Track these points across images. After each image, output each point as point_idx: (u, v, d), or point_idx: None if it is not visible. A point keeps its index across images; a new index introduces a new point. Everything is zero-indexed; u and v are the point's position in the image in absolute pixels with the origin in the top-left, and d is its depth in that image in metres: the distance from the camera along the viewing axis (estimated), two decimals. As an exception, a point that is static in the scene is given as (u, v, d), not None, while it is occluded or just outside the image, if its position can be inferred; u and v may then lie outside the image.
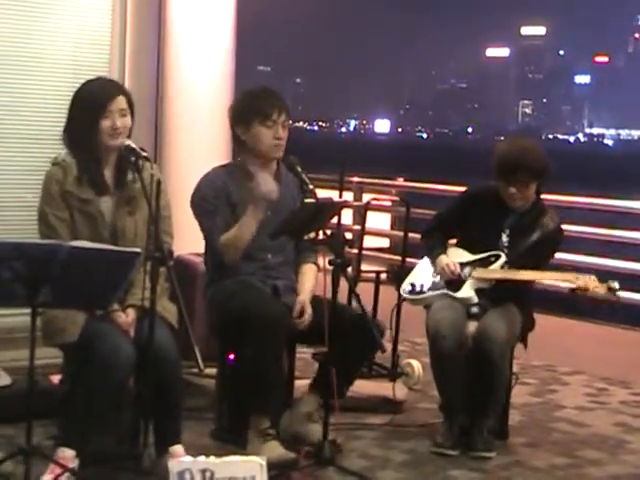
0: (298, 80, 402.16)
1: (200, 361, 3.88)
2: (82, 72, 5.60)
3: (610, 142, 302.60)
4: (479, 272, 5.02)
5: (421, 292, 5.16)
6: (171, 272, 4.00)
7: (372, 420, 5.34)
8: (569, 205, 10.07)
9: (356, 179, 11.59)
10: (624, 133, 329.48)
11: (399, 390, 5.51)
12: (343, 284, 4.47)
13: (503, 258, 5.01)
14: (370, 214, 7.33)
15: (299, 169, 4.68)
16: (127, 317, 4.22)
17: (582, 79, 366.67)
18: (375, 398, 5.52)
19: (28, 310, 3.82)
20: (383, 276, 6.64)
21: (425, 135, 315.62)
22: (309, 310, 4.65)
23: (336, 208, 4.94)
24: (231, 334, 4.60)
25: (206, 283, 4.83)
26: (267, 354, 4.44)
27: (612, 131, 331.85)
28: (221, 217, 4.65)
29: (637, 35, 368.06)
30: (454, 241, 5.29)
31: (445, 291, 5.06)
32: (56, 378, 4.75)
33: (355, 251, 7.08)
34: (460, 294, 5.02)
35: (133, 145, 4.23)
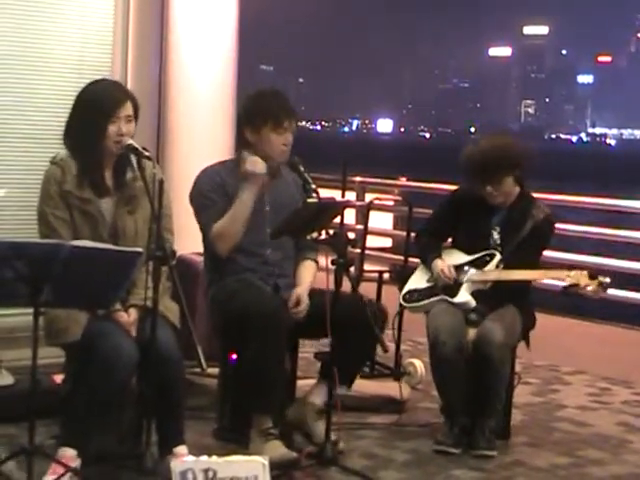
0: (301, 80, 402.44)
1: (203, 360, 3.88)
2: (85, 72, 5.60)
3: (613, 142, 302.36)
4: (474, 275, 5.02)
5: (419, 299, 5.16)
6: (173, 271, 4.00)
7: (375, 420, 5.35)
8: (571, 204, 10.08)
9: (359, 179, 11.58)
10: (626, 133, 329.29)
11: (402, 390, 5.51)
12: (346, 284, 4.47)
13: (498, 256, 5.02)
14: (373, 214, 7.34)
15: (302, 169, 4.69)
16: (129, 317, 4.22)
17: (585, 79, 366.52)
18: (378, 398, 5.52)
19: (30, 310, 3.82)
20: (386, 276, 6.64)
21: (427, 135, 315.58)
22: (305, 300, 4.65)
23: (339, 208, 4.94)
24: (232, 333, 4.61)
25: (207, 282, 4.83)
26: (268, 353, 4.44)
27: (614, 131, 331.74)
28: (217, 210, 4.66)
29: (639, 34, 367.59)
30: (449, 240, 5.30)
31: (442, 297, 5.06)
32: (58, 378, 4.75)
33: (358, 251, 7.09)
34: (457, 299, 5.02)
35: (135, 144, 4.23)
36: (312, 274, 4.85)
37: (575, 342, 7.93)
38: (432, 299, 5.08)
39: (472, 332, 4.92)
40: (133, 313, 4.24)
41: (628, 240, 9.60)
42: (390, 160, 47.57)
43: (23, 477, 3.84)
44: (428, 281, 5.15)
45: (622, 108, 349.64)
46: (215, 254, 4.70)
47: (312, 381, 4.93)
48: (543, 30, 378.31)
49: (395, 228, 11.51)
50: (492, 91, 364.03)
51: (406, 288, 5.24)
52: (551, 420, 5.62)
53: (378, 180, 12.16)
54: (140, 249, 3.92)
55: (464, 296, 5.01)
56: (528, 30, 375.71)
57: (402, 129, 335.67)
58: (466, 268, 5.06)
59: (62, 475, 3.97)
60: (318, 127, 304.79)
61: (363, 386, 5.30)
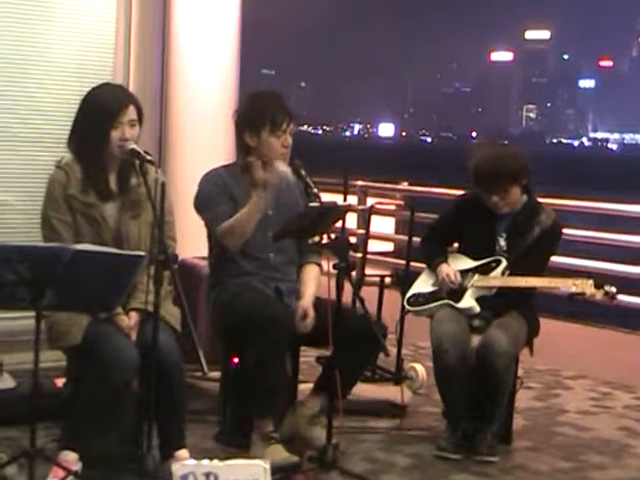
0: (302, 84, 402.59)
1: (204, 364, 3.88)
2: (87, 77, 5.60)
3: (614, 146, 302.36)
4: (479, 280, 5.02)
5: (424, 303, 5.15)
6: (175, 275, 4.00)
7: (376, 424, 5.35)
8: (573, 209, 10.07)
9: (360, 183, 11.57)
10: (628, 137, 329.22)
11: (403, 394, 5.50)
12: (347, 288, 4.47)
13: (504, 263, 5.01)
14: (374, 218, 7.33)
15: (303, 173, 4.69)
16: (130, 320, 4.23)
17: (586, 83, 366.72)
18: (379, 402, 5.52)
19: (32, 313, 3.83)
20: (387, 280, 6.63)
21: (429, 139, 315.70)
22: (312, 314, 4.65)
23: (340, 212, 4.94)
24: (234, 336, 4.60)
25: (209, 285, 4.83)
26: (270, 357, 4.44)
27: (616, 135, 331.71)
28: (223, 207, 4.65)
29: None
30: (455, 245, 5.30)
31: (447, 301, 5.06)
32: (60, 381, 4.75)
33: (359, 255, 7.07)
34: (462, 304, 5.02)
35: (138, 149, 4.24)
36: (315, 279, 4.84)
37: (576, 347, 7.93)
38: (436, 303, 5.08)
39: (476, 339, 4.91)
40: (134, 317, 4.24)
41: (628, 245, 9.59)
42: (392, 164, 47.56)
43: (25, 480, 3.85)
44: (433, 285, 5.14)
45: (624, 112, 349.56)
46: (222, 251, 4.67)
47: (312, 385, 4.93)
48: (545, 35, 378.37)
49: (397, 232, 11.49)
50: (494, 95, 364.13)
51: (410, 292, 5.23)
52: (553, 425, 5.62)
53: (380, 184, 12.15)
54: (142, 253, 3.92)
55: (468, 301, 5.00)
56: (530, 35, 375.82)
57: (404, 133, 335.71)
58: (471, 274, 5.05)
59: (63, 478, 3.98)
60: (320, 131, 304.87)
61: (364, 390, 5.30)
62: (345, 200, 7.03)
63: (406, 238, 6.73)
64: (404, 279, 5.70)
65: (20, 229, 5.43)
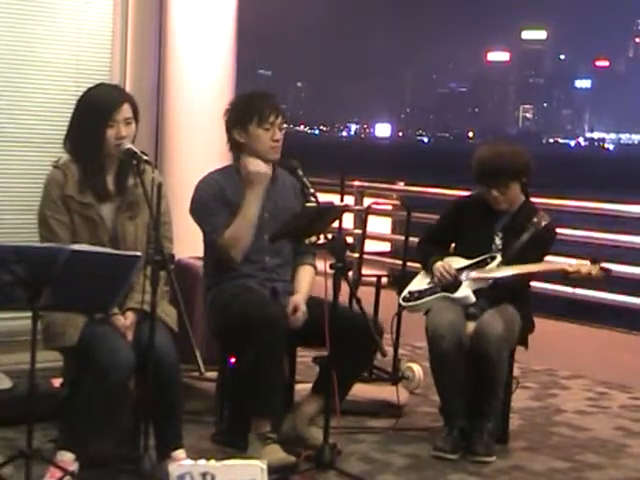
0: (299, 84, 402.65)
1: (201, 364, 3.88)
2: (83, 77, 5.61)
3: (611, 146, 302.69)
4: (475, 273, 5.05)
5: (419, 298, 5.17)
6: (172, 276, 4.00)
7: (373, 424, 5.35)
8: (568, 209, 10.09)
9: (357, 183, 11.58)
10: (624, 137, 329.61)
11: (400, 394, 5.51)
12: (344, 288, 4.48)
13: (498, 259, 5.04)
14: (371, 218, 7.33)
15: (300, 173, 4.70)
16: (126, 320, 4.23)
17: (583, 83, 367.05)
18: (376, 402, 5.52)
19: (29, 313, 3.83)
20: (384, 280, 6.64)
21: (426, 139, 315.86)
22: (303, 308, 4.65)
23: (337, 212, 4.95)
24: (231, 337, 4.61)
25: (206, 286, 4.83)
26: (268, 357, 4.44)
27: (612, 135, 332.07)
28: (221, 216, 4.66)
29: (637, 39, 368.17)
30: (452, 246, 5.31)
31: (443, 294, 5.07)
32: (57, 381, 4.75)
33: (356, 255, 7.08)
34: (458, 294, 5.04)
35: (134, 149, 4.24)
36: (310, 279, 4.85)
37: (573, 346, 7.93)
38: (432, 297, 5.10)
39: (471, 326, 4.94)
40: (130, 317, 4.24)
41: (626, 245, 9.61)
42: (389, 164, 47.56)
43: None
44: (429, 283, 5.16)
45: (620, 113, 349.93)
46: (224, 257, 4.68)
47: (310, 385, 4.93)
48: (541, 35, 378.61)
49: (393, 232, 11.50)
50: (490, 96, 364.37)
51: (406, 290, 5.25)
52: (549, 424, 5.63)
53: (376, 184, 12.16)
54: (139, 253, 3.92)
55: (464, 291, 5.03)
56: (526, 35, 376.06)
57: (400, 133, 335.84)
58: (467, 270, 5.07)
59: (60, 479, 3.97)
60: (316, 131, 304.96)
61: (361, 390, 5.30)
62: (342, 200, 7.04)
63: (403, 238, 6.74)
64: (401, 279, 5.70)
65: (17, 229, 5.43)
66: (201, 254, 4.90)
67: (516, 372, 5.30)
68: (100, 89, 4.46)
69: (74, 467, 4.08)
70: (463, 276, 5.06)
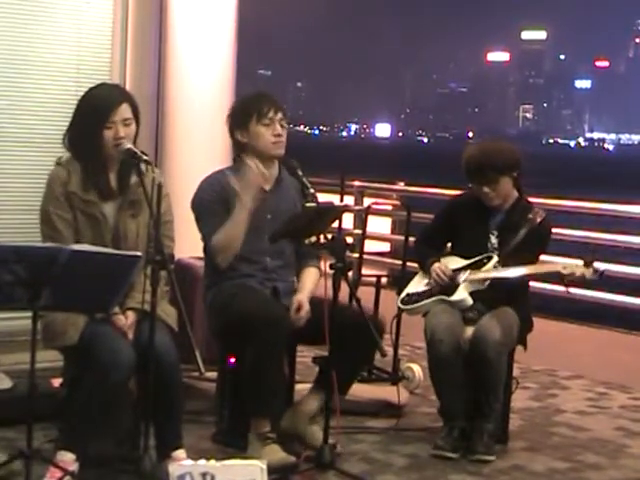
0: (299, 84, 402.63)
1: (201, 364, 3.88)
2: (83, 77, 5.62)
3: (610, 147, 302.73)
4: (472, 274, 5.04)
5: (417, 301, 5.17)
6: (172, 275, 4.00)
7: (373, 424, 5.35)
8: (569, 209, 10.08)
9: (357, 183, 11.57)
10: (624, 138, 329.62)
11: (400, 394, 5.51)
12: (344, 288, 4.48)
13: (495, 259, 5.04)
14: (371, 218, 7.33)
15: (300, 173, 4.70)
16: (126, 320, 4.23)
17: (582, 84, 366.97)
18: (376, 402, 5.52)
19: (29, 313, 3.83)
20: (384, 280, 6.64)
21: (425, 139, 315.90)
22: (306, 307, 4.65)
23: (337, 212, 4.95)
24: (232, 336, 4.61)
25: (205, 286, 4.84)
26: (268, 357, 4.44)
27: (612, 136, 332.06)
28: (218, 220, 4.66)
29: (637, 40, 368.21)
30: (449, 246, 5.31)
31: (440, 297, 5.07)
32: (57, 381, 4.75)
33: (356, 255, 7.08)
34: (455, 297, 5.04)
35: (134, 149, 4.24)
36: (314, 280, 4.85)
37: (573, 347, 7.93)
38: (429, 300, 5.10)
39: (469, 330, 4.95)
40: (131, 316, 4.24)
41: (625, 245, 9.60)
42: (388, 164, 47.56)
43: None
44: (426, 285, 5.16)
45: (620, 113, 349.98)
46: (213, 261, 4.70)
47: (310, 385, 4.93)
48: (541, 35, 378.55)
49: (393, 233, 11.49)
50: (490, 96, 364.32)
51: (404, 292, 5.25)
52: (549, 425, 5.63)
53: (376, 184, 12.15)
54: (139, 253, 3.92)
55: (461, 294, 5.03)
56: (526, 35, 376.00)
57: (400, 133, 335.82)
58: (464, 271, 5.07)
59: (60, 479, 3.97)
60: (316, 131, 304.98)
61: (361, 390, 5.30)
62: (342, 200, 7.06)
63: (402, 238, 6.74)
64: (400, 279, 5.70)
65: (17, 229, 5.44)
66: (201, 254, 4.90)
67: (516, 372, 5.30)
68: (100, 89, 4.46)
69: (74, 467, 4.08)
70: (460, 277, 5.06)
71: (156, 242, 3.99)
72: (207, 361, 4.06)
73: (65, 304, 3.87)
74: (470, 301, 5.01)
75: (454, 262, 5.14)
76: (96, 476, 4.21)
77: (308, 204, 4.56)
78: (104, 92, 4.43)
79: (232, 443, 4.64)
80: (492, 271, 5.02)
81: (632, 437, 5.47)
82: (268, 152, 4.75)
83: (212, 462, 3.64)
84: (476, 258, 5.07)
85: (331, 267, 4.47)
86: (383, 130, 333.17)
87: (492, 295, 5.02)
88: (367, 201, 10.78)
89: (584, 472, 4.84)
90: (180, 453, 4.22)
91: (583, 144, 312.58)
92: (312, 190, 4.61)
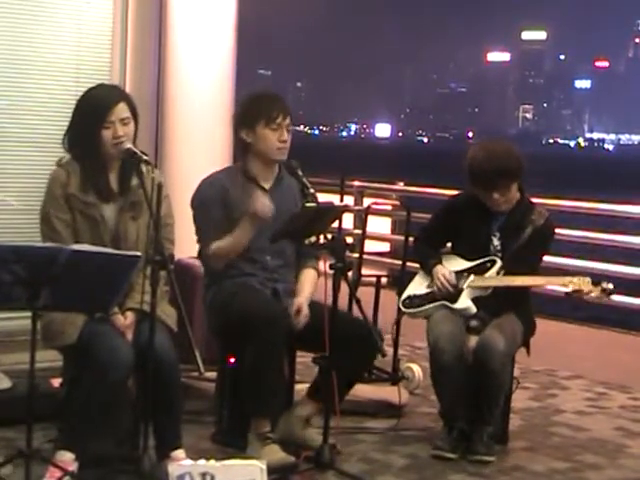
0: (299, 84, 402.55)
1: (200, 364, 3.88)
2: (83, 77, 5.62)
3: (610, 147, 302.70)
4: (475, 281, 5.02)
5: (419, 305, 5.15)
6: (171, 276, 4.00)
7: (372, 424, 5.35)
8: (569, 210, 10.08)
9: (357, 183, 11.58)
10: (624, 138, 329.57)
11: (400, 394, 5.51)
12: (344, 288, 4.48)
13: (499, 263, 5.00)
14: (371, 218, 7.33)
15: (300, 173, 4.69)
16: (126, 320, 4.23)
17: (582, 84, 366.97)
18: (376, 402, 5.52)
19: (28, 313, 3.83)
20: (384, 280, 6.63)
21: (425, 139, 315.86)
22: (306, 311, 4.65)
23: (337, 212, 4.94)
24: (231, 336, 4.61)
25: (205, 285, 4.83)
26: (268, 356, 4.44)
27: (612, 136, 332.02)
28: (216, 225, 4.65)
29: (637, 40, 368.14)
30: (449, 245, 5.29)
31: (443, 302, 5.06)
32: (57, 381, 4.75)
33: (356, 255, 7.08)
34: (458, 305, 5.01)
35: (134, 149, 4.24)
36: (313, 282, 4.84)
37: (573, 347, 7.93)
38: (432, 304, 5.08)
39: (473, 339, 4.91)
40: (130, 316, 4.24)
41: (625, 245, 9.61)
42: (388, 164, 47.55)
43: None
44: (428, 287, 5.14)
45: (620, 113, 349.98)
46: (205, 264, 4.70)
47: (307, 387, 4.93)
48: (541, 35, 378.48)
49: (393, 233, 11.50)
50: (490, 96, 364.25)
51: (405, 294, 5.23)
52: (549, 425, 5.62)
53: (376, 184, 12.16)
54: (139, 253, 3.92)
55: (465, 302, 5.00)
56: (526, 35, 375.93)
57: (400, 133, 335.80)
58: (466, 274, 5.05)
59: (60, 478, 3.98)
60: (316, 131, 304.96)
61: (361, 391, 5.29)
62: (342, 200, 7.05)
63: (402, 238, 6.74)
64: (400, 279, 5.70)
65: (17, 229, 5.44)
66: (201, 254, 4.90)
67: (516, 372, 5.29)
68: (98, 90, 4.46)
69: (74, 467, 4.08)
70: (462, 282, 5.03)
71: (156, 242, 3.99)
72: (207, 361, 4.06)
73: (64, 304, 3.87)
74: (474, 309, 4.98)
75: (455, 262, 5.11)
76: (95, 476, 4.21)
77: (308, 204, 4.55)
78: (102, 92, 4.43)
79: (232, 443, 4.64)
80: (496, 279, 4.98)
81: (631, 437, 5.47)
82: (272, 156, 4.74)
83: (212, 462, 3.64)
84: (479, 261, 5.04)
85: (331, 267, 4.47)
86: (383, 130, 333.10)
87: (495, 301, 4.98)
88: (367, 201, 10.77)
89: (584, 472, 4.84)
90: (179, 453, 4.22)
91: (583, 144, 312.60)
92: (312, 190, 4.60)
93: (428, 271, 5.14)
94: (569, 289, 4.84)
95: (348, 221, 10.72)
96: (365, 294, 5.10)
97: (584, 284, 4.83)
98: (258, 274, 4.74)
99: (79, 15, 5.76)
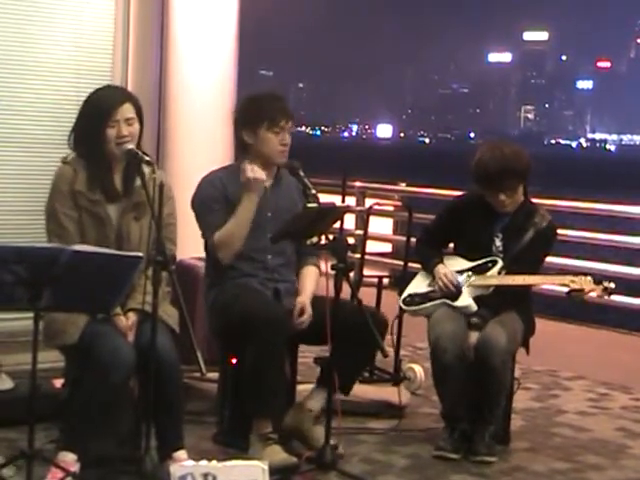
0: (300, 85, 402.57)
1: (202, 365, 3.88)
2: (84, 77, 5.61)
3: (612, 147, 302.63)
4: (476, 279, 5.02)
5: (420, 303, 5.15)
6: (173, 276, 4.00)
7: (374, 425, 5.35)
8: (571, 210, 10.09)
9: (358, 184, 11.58)
10: (626, 138, 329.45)
11: (401, 395, 5.52)
12: (345, 289, 4.48)
13: (500, 263, 5.01)
14: (372, 219, 7.33)
15: (301, 173, 4.69)
16: (127, 321, 4.23)
17: (584, 84, 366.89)
18: (377, 403, 5.52)
19: (30, 314, 3.83)
20: (385, 281, 6.64)
21: (427, 140, 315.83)
22: (309, 310, 4.65)
23: (339, 213, 4.94)
24: (233, 337, 4.61)
25: (207, 286, 4.83)
26: (269, 357, 4.44)
27: (614, 136, 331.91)
28: (218, 216, 4.66)
29: (639, 40, 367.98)
30: (451, 246, 5.30)
31: (444, 300, 5.06)
32: (58, 382, 4.75)
33: (357, 256, 7.08)
34: (459, 303, 5.02)
35: (136, 150, 4.24)
36: (314, 281, 4.85)
37: (574, 347, 7.93)
38: (433, 302, 5.08)
39: (474, 336, 4.92)
40: (132, 317, 4.24)
41: (628, 246, 9.61)
42: (390, 165, 47.56)
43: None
44: (429, 285, 5.14)
45: (622, 113, 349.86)
46: (214, 257, 4.70)
47: (311, 386, 4.93)
48: (543, 36, 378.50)
49: (395, 233, 11.50)
50: (492, 96, 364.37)
51: (406, 292, 5.23)
52: (550, 425, 5.62)
53: (378, 185, 12.16)
54: (140, 254, 3.92)
55: (466, 300, 5.00)
56: (528, 36, 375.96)
57: (402, 134, 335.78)
58: (468, 274, 5.06)
59: (61, 479, 3.97)
60: (318, 132, 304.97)
61: (362, 391, 5.30)
62: (343, 201, 7.04)
63: (404, 239, 6.74)
64: (402, 280, 5.70)
65: (16, 230, 5.43)
66: (203, 255, 4.90)
67: (517, 373, 5.29)
68: (104, 90, 4.49)
69: (75, 468, 4.09)
70: (464, 281, 5.04)
71: (158, 243, 3.99)
72: (208, 362, 4.06)
73: (66, 304, 3.88)
74: (474, 307, 4.99)
75: (457, 263, 5.12)
76: (97, 476, 4.21)
77: (310, 205, 4.55)
78: (109, 92, 4.46)
79: (233, 444, 4.64)
80: (497, 278, 4.99)
81: (633, 438, 5.46)
82: (272, 159, 4.74)
83: (213, 463, 3.64)
84: (480, 261, 5.04)
85: (333, 268, 4.47)
86: (385, 131, 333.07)
87: (496, 300, 4.99)
88: (369, 202, 10.78)
89: (585, 473, 4.84)
90: (181, 454, 4.22)
91: (585, 145, 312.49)
92: (314, 191, 4.60)
93: (429, 271, 5.14)
94: (570, 288, 4.85)
95: (350, 222, 10.73)
96: (367, 295, 5.10)
97: (585, 283, 4.83)
98: (259, 274, 4.74)
99: (81, 15, 5.75)
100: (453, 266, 5.11)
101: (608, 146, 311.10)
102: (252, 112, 4.77)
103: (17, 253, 3.66)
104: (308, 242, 4.62)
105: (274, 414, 4.55)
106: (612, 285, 4.84)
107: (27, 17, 5.60)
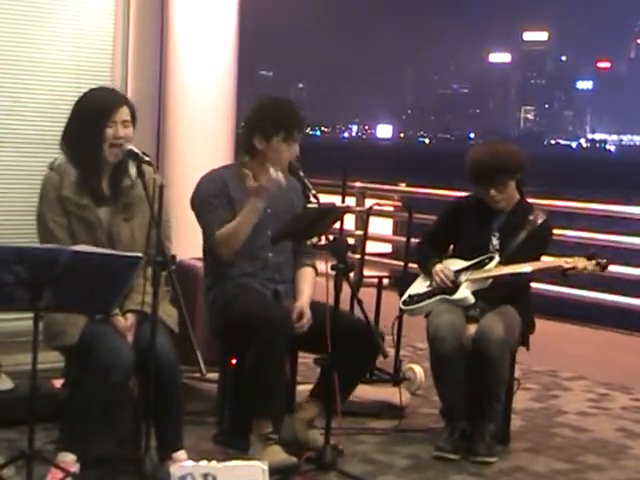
0: (300, 85, 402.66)
1: (202, 365, 3.88)
2: (84, 77, 5.61)
3: (612, 148, 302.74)
4: (473, 273, 5.05)
5: (419, 301, 5.17)
6: (172, 276, 4.00)
7: (374, 425, 5.35)
8: (571, 210, 10.09)
9: (358, 184, 11.59)
10: (626, 138, 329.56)
11: (401, 395, 5.51)
12: (345, 289, 4.48)
13: (496, 259, 5.06)
14: (372, 219, 7.33)
15: (301, 174, 4.69)
16: (126, 321, 4.23)
17: (584, 84, 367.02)
18: (377, 403, 5.52)
19: (30, 314, 3.83)
20: (385, 281, 6.63)
21: (427, 140, 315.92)
22: (308, 314, 4.65)
23: (338, 213, 4.94)
24: (233, 337, 4.61)
25: (207, 286, 4.83)
26: (270, 358, 4.44)
27: (614, 136, 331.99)
28: (219, 214, 4.66)
29: (639, 40, 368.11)
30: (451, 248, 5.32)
31: (442, 296, 5.07)
32: (58, 382, 4.75)
33: (357, 256, 7.08)
34: (456, 295, 5.05)
35: (136, 150, 4.24)
36: (311, 282, 4.84)
37: (574, 348, 7.93)
38: (431, 300, 5.11)
39: (472, 327, 4.95)
40: (130, 318, 4.24)
41: (627, 246, 9.61)
42: (390, 165, 47.57)
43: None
44: (428, 286, 5.16)
45: (622, 114, 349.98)
46: (216, 257, 4.70)
47: (311, 386, 4.93)
48: (543, 36, 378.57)
49: (395, 234, 11.50)
50: (492, 97, 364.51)
51: (406, 294, 5.26)
52: (551, 426, 5.62)
53: (378, 185, 12.17)
54: (140, 254, 3.92)
55: (463, 292, 5.04)
56: (528, 36, 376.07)
57: (402, 134, 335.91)
58: (465, 271, 5.08)
59: (61, 479, 3.97)
60: (318, 132, 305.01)
61: (363, 391, 5.29)
62: (343, 201, 7.03)
63: (404, 239, 6.74)
64: (402, 280, 5.70)
65: (17, 230, 5.43)
66: (202, 255, 4.89)
67: (517, 373, 5.30)
68: (98, 92, 4.49)
69: (75, 468, 4.08)
70: (462, 277, 5.07)
71: (158, 243, 3.99)
72: (208, 362, 4.06)
73: (66, 305, 3.88)
74: (472, 299, 5.02)
75: (456, 264, 5.14)
76: (97, 477, 4.21)
77: (310, 205, 4.55)
78: (106, 93, 4.47)
79: (233, 444, 4.64)
80: (494, 270, 5.03)
81: (633, 438, 5.46)
82: (280, 167, 4.73)
83: (213, 463, 3.64)
84: (478, 259, 5.08)
85: (332, 268, 4.47)
86: (384, 131, 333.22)
87: (494, 294, 5.02)
88: (368, 202, 10.78)
89: (586, 473, 4.84)
90: (181, 454, 4.22)
91: (585, 145, 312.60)
92: (314, 191, 4.60)
93: (428, 272, 5.17)
94: (564, 267, 4.89)
95: (350, 222, 10.73)
96: (367, 295, 5.10)
97: (579, 261, 4.90)
98: (259, 274, 4.73)
99: (80, 15, 5.75)
100: (452, 266, 5.13)
101: (608, 146, 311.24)
102: (270, 120, 4.72)
103: (17, 253, 3.66)
104: (308, 242, 4.62)
105: (274, 414, 4.55)
106: (604, 260, 4.91)
107: (25, 17, 5.60)
